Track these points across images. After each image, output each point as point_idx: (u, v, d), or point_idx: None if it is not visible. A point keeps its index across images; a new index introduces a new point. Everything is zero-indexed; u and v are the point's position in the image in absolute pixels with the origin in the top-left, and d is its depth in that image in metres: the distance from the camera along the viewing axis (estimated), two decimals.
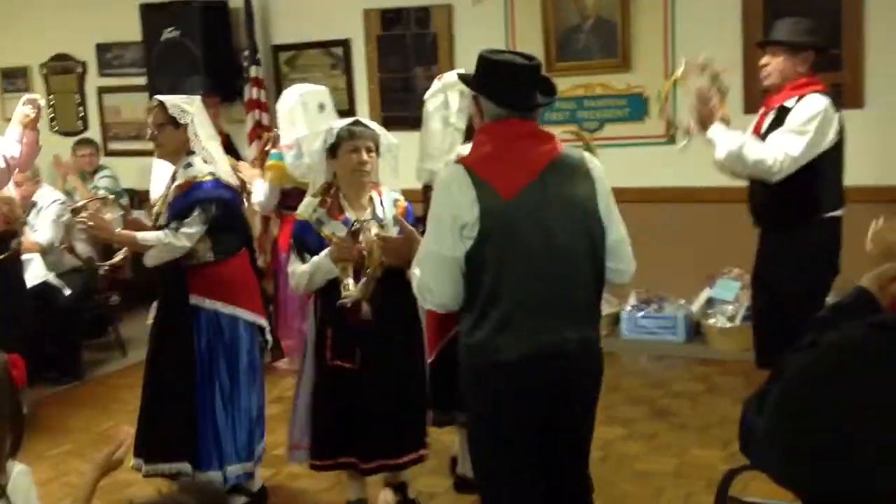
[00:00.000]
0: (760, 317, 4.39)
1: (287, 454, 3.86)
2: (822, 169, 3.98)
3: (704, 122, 4.05)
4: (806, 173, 3.95)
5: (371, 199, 3.60)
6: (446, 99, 3.92)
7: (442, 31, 6.55)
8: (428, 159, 3.94)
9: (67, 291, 5.77)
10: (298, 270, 3.53)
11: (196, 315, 3.74)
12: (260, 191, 5.01)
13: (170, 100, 3.77)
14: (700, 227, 5.81)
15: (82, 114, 8.04)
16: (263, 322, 3.91)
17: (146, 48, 7.10)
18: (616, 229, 2.85)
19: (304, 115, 4.82)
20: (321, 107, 4.90)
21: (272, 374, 5.51)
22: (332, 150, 3.55)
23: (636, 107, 6.06)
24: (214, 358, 3.77)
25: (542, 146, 2.79)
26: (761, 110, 4.25)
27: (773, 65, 4.07)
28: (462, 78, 3.00)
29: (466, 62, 6.39)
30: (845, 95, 5.38)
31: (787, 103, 4.02)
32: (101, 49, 7.80)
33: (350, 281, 3.38)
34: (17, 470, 2.25)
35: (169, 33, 6.93)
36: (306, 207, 3.60)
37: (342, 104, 6.56)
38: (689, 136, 4.22)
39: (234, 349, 3.80)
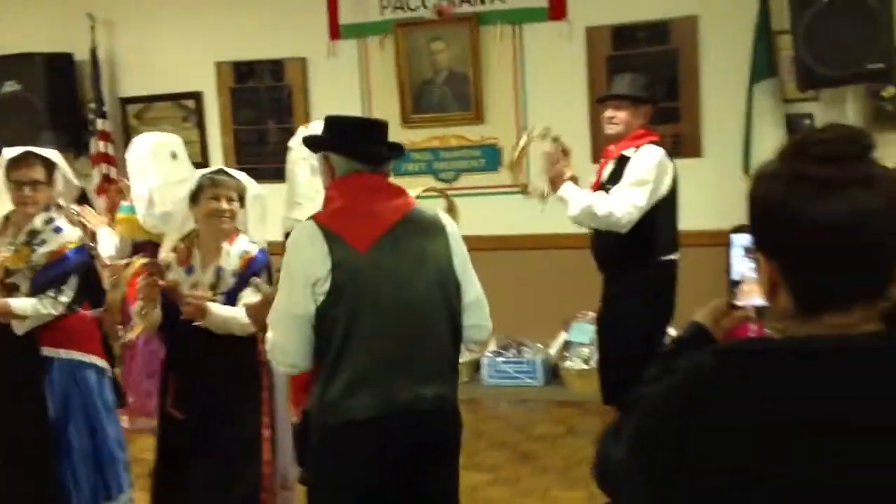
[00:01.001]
0: (604, 355, 4.54)
1: None
2: (658, 215, 4.18)
3: (555, 183, 4.20)
4: (643, 219, 4.14)
5: (219, 252, 3.51)
6: None
7: (296, 84, 6.56)
8: (294, 208, 3.91)
9: None
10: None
11: (49, 367, 3.65)
12: (108, 242, 4.81)
13: (48, 153, 3.64)
14: (554, 272, 5.97)
15: None
16: (109, 369, 3.91)
17: None
18: (473, 287, 2.83)
19: (155, 165, 4.62)
20: (173, 155, 4.72)
21: None
22: (194, 197, 3.49)
23: (490, 157, 6.21)
24: (70, 408, 3.67)
25: (394, 200, 2.77)
26: (602, 161, 4.45)
27: (619, 116, 4.28)
28: (307, 140, 2.97)
29: (323, 114, 6.42)
30: (684, 145, 5.69)
31: (626, 153, 4.23)
32: None
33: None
34: None
35: (10, 87, 6.66)
36: (165, 251, 3.59)
37: (195, 157, 6.43)
38: (546, 198, 4.37)
39: (91, 396, 3.73)
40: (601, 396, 4.56)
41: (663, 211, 4.21)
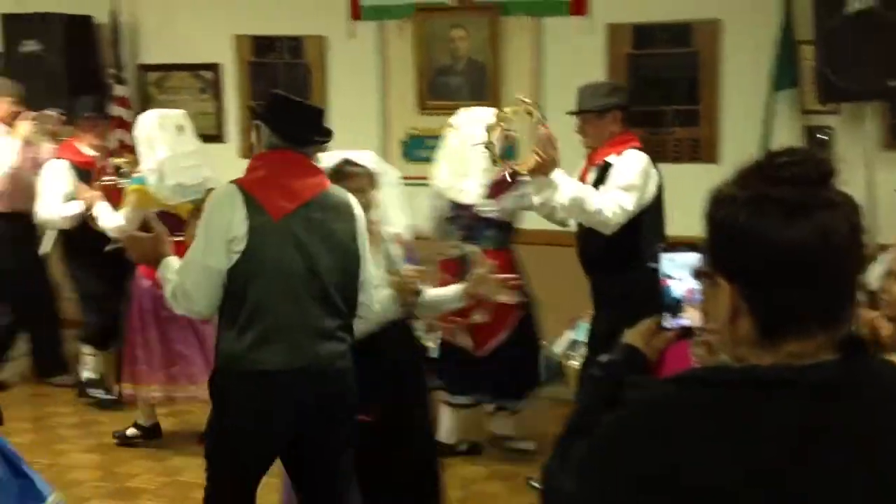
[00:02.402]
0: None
1: None
2: (643, 221, 4.14)
3: (548, 166, 4.07)
4: (626, 226, 4.11)
5: (377, 237, 3.40)
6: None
7: (315, 62, 6.53)
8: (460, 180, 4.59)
9: None
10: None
11: None
12: (110, 214, 4.96)
13: None
14: (562, 269, 5.90)
15: None
16: None
17: (5, 61, 6.75)
18: (367, 268, 3.11)
19: (162, 138, 4.79)
20: (180, 128, 4.90)
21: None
22: None
23: (507, 148, 6.16)
24: None
25: (310, 178, 3.06)
26: (583, 166, 4.41)
27: (585, 129, 4.28)
28: (250, 108, 3.37)
29: (339, 94, 6.48)
30: (702, 151, 5.65)
31: (609, 159, 4.20)
32: None
33: None
34: None
35: (30, 46, 6.65)
36: None
37: (210, 129, 6.45)
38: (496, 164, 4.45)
39: None
40: None
41: (648, 218, 4.16)
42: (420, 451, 3.46)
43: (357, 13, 6.37)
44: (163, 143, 4.78)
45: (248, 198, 2.95)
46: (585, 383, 1.56)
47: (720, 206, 1.28)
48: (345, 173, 3.35)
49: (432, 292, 3.41)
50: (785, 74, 5.41)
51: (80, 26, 6.79)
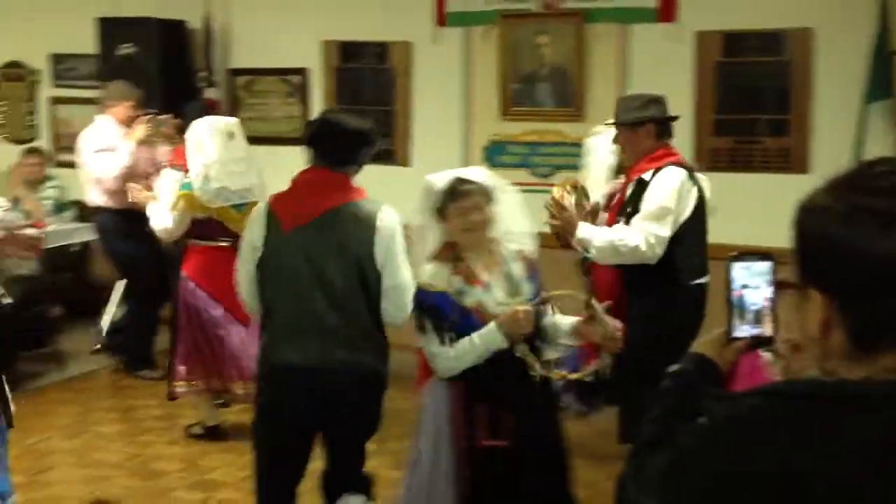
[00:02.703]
0: (626, 386, 4.15)
1: None
2: (682, 238, 4.03)
3: (568, 230, 4.07)
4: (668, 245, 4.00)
5: (497, 257, 3.18)
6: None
7: (400, 67, 6.60)
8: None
9: (7, 300, 5.64)
10: (451, 353, 3.07)
11: None
12: (163, 216, 4.96)
13: None
14: None
15: (32, 122, 7.91)
16: None
17: (101, 62, 7.01)
18: (394, 275, 3.28)
19: (212, 143, 4.81)
20: (230, 135, 4.90)
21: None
22: (441, 212, 3.13)
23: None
24: None
25: (333, 193, 3.33)
26: (622, 180, 4.34)
27: (621, 143, 4.23)
28: (306, 125, 3.72)
29: (424, 99, 6.52)
30: (792, 160, 5.54)
31: (645, 176, 4.09)
32: (56, 59, 7.71)
33: (525, 348, 3.11)
34: None
35: (124, 49, 6.87)
36: (437, 276, 3.10)
37: (297, 132, 6.55)
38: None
39: None
40: (618, 434, 4.41)
41: (688, 234, 4.05)
42: (555, 474, 3.28)
43: (442, 19, 6.42)
44: (212, 147, 4.81)
45: (270, 213, 3.34)
46: (659, 393, 1.52)
47: (811, 216, 1.25)
48: (459, 192, 3.10)
49: (550, 320, 3.22)
50: (879, 85, 5.26)
51: (173, 30, 6.99)
